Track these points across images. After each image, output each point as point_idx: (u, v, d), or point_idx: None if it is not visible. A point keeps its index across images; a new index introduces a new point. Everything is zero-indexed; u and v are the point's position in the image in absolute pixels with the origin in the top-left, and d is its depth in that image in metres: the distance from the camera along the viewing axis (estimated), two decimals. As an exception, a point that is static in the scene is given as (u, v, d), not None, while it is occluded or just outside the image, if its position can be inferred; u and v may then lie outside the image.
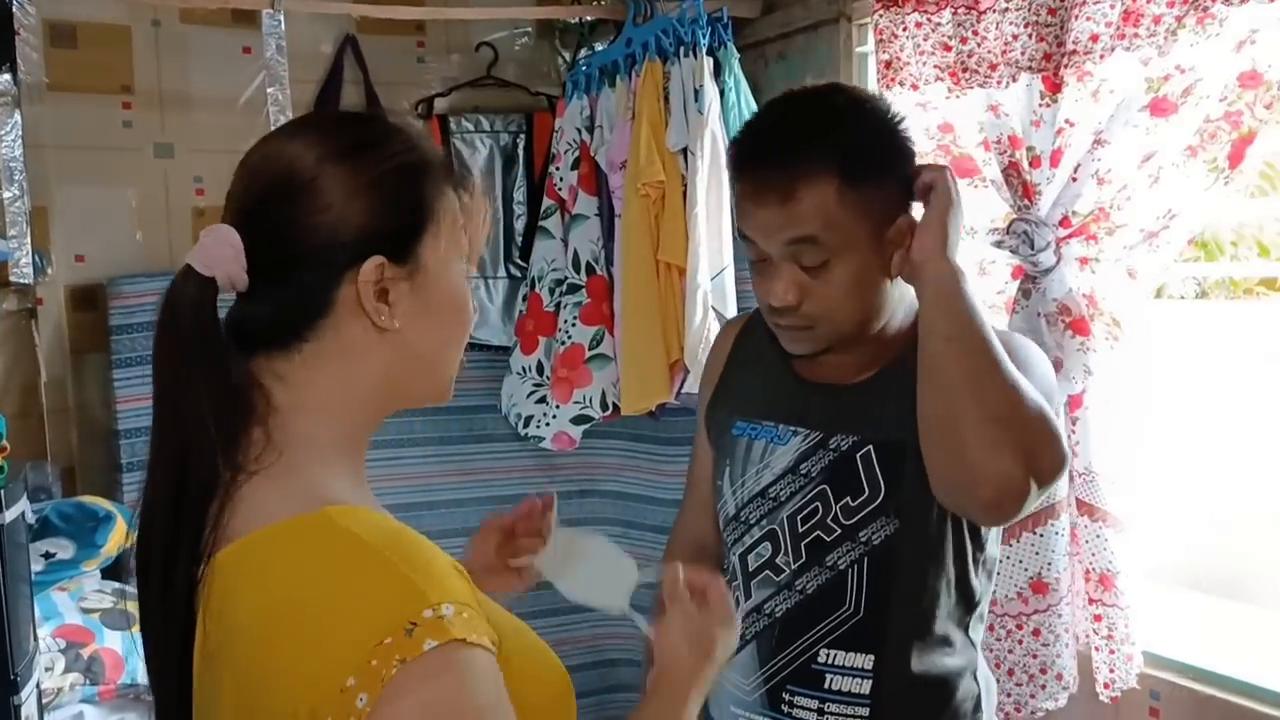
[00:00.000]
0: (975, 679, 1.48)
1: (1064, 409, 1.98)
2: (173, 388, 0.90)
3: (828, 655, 1.43)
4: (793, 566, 1.45)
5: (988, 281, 2.15)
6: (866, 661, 1.42)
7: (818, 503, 1.44)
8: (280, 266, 0.91)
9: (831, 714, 1.42)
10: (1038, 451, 1.28)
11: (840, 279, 1.35)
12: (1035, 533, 2.01)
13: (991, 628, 2.06)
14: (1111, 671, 2.00)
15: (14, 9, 2.75)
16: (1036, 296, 1.97)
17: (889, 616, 1.42)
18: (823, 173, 1.33)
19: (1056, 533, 2.00)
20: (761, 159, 1.38)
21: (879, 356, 1.45)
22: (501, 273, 3.16)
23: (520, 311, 3.01)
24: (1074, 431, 1.98)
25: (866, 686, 1.42)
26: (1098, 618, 2.00)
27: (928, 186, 1.38)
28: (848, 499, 1.42)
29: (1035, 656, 2.05)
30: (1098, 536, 1.99)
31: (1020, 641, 2.05)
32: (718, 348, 1.66)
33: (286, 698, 0.77)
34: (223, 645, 0.84)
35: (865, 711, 1.42)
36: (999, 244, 2.03)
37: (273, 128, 2.96)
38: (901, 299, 1.45)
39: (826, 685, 1.43)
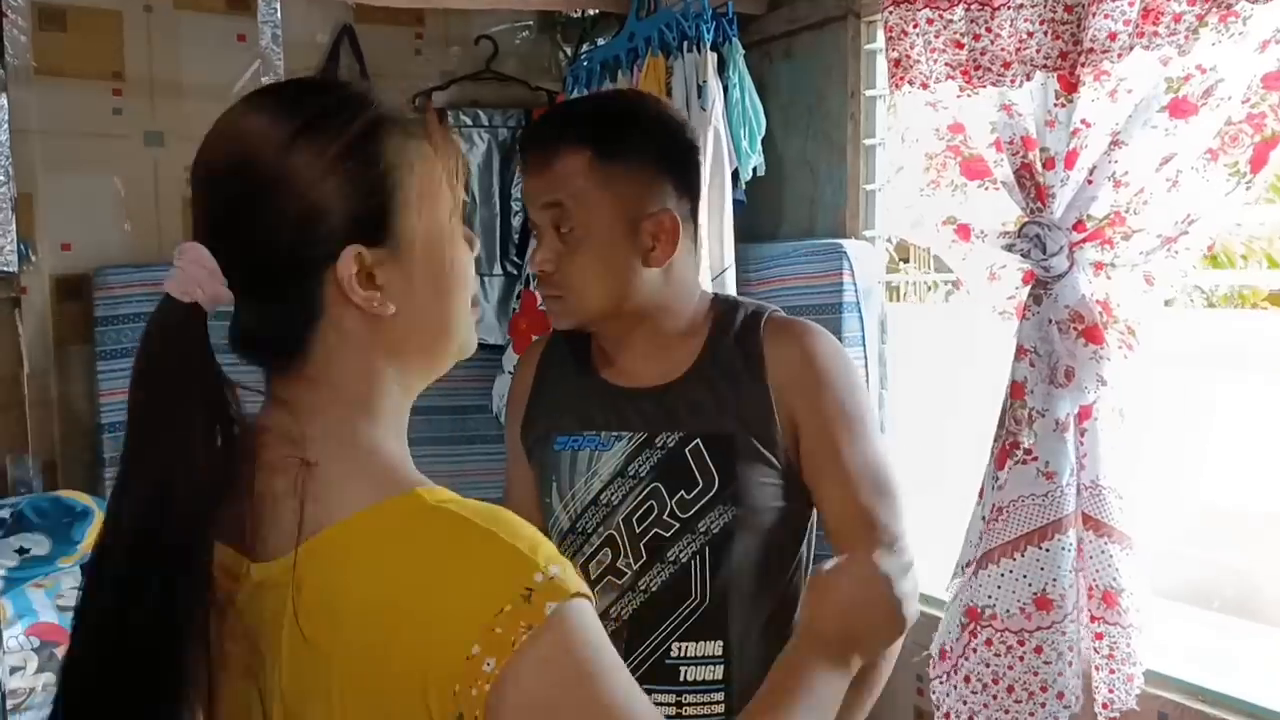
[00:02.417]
0: None
1: (1074, 419, 1.92)
2: (162, 424, 0.85)
3: (680, 649, 1.47)
4: (634, 567, 1.50)
5: (997, 286, 2.08)
6: (717, 648, 1.48)
7: (652, 500, 1.48)
8: (258, 277, 0.87)
9: (689, 705, 1.48)
10: None
11: (587, 251, 1.43)
12: (1041, 547, 1.94)
13: (990, 643, 2.00)
14: (1111, 691, 1.94)
15: (2, -9, 2.70)
16: (1048, 302, 1.91)
17: (732, 600, 1.48)
18: (578, 145, 1.42)
19: (1064, 548, 1.94)
20: (536, 134, 1.50)
21: (685, 355, 1.52)
22: (498, 270, 3.11)
23: (513, 309, 2.96)
24: (1082, 443, 1.92)
25: (719, 672, 1.48)
26: (1099, 636, 1.94)
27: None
28: (682, 493, 1.47)
29: (1036, 674, 1.98)
30: (1103, 552, 1.93)
31: (1021, 658, 1.99)
32: (522, 370, 1.72)
33: (410, 675, 0.78)
34: (329, 631, 0.81)
35: (720, 696, 1.48)
36: (1010, 248, 1.97)
37: None
38: (686, 293, 1.53)
39: (682, 678, 1.48)
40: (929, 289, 3.14)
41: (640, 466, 1.49)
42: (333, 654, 0.81)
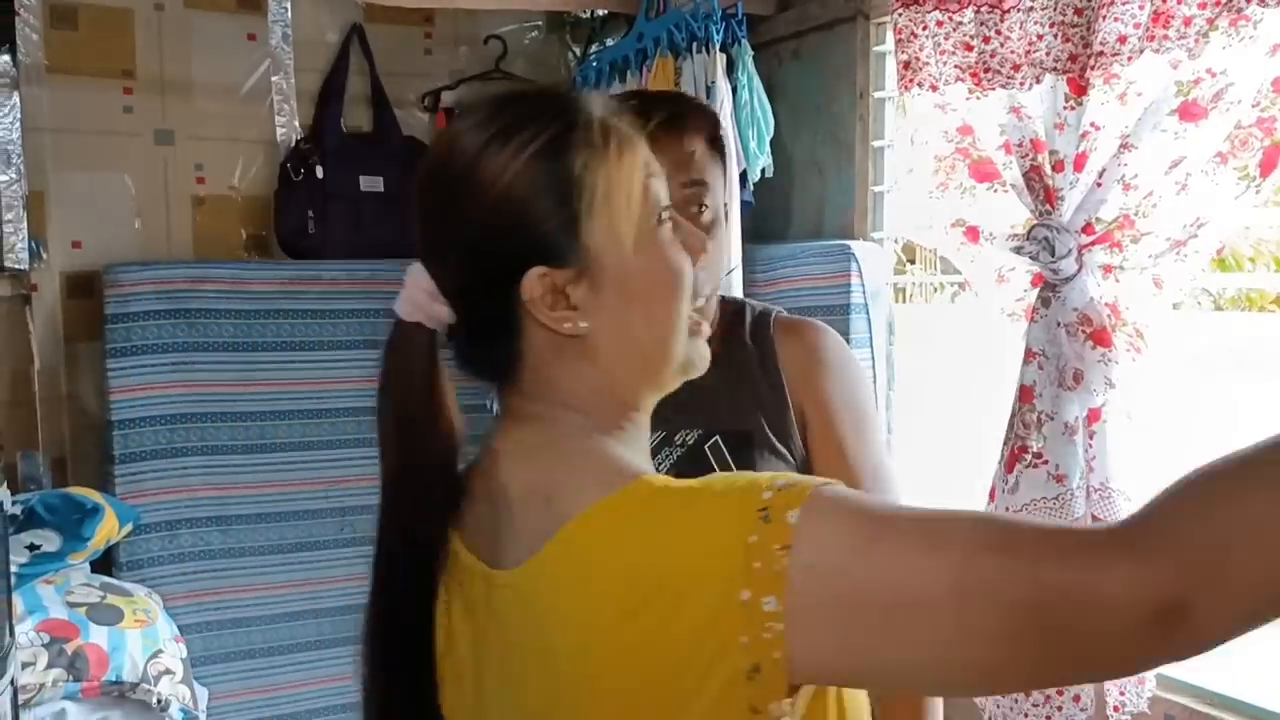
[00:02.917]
0: None
1: (1082, 422, 1.92)
2: (411, 443, 0.92)
3: None
4: None
5: (1006, 289, 2.09)
6: None
7: None
8: (460, 295, 0.89)
9: None
10: None
11: (715, 236, 1.45)
12: (1051, 549, 1.95)
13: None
14: (1122, 694, 1.94)
15: (14, -11, 2.71)
16: (1056, 305, 1.91)
17: None
18: (700, 132, 1.46)
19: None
20: (667, 112, 1.45)
21: None
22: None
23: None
24: (1091, 445, 1.92)
25: None
26: (1111, 638, 1.94)
27: None
28: None
29: (1050, 677, 1.99)
30: (1112, 555, 1.93)
31: (1033, 661, 1.99)
32: None
33: (683, 648, 0.73)
34: (579, 630, 0.80)
35: None
36: (1018, 250, 1.97)
37: (276, 117, 3.02)
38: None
39: None
40: (935, 290, 3.14)
41: (660, 464, 1.49)
42: (589, 657, 0.79)
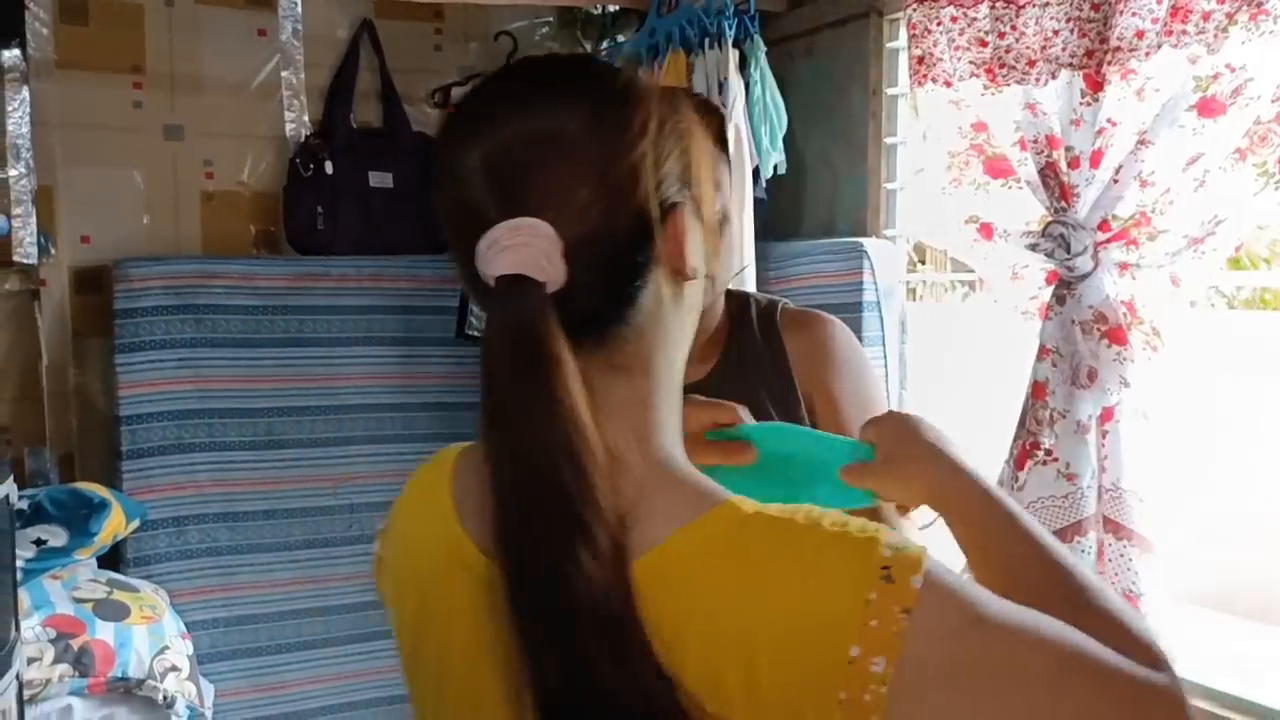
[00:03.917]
0: None
1: (1095, 421, 1.90)
2: (541, 419, 0.76)
3: None
4: None
5: (1020, 286, 2.07)
6: None
7: None
8: (596, 247, 0.79)
9: None
10: None
11: (723, 233, 1.44)
12: (1062, 550, 1.93)
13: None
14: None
15: (24, -17, 2.70)
16: (1071, 303, 1.90)
17: None
18: (709, 130, 1.40)
19: (1083, 550, 1.92)
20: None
21: (710, 349, 1.52)
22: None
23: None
24: (1104, 445, 1.90)
25: None
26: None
27: None
28: None
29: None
30: (1122, 556, 1.91)
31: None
32: None
33: (777, 697, 0.71)
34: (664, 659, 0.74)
35: None
36: (1033, 247, 1.96)
37: (286, 112, 3.01)
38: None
39: None
40: (945, 289, 3.12)
41: None
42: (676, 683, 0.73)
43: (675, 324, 0.86)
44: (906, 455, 1.02)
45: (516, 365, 0.76)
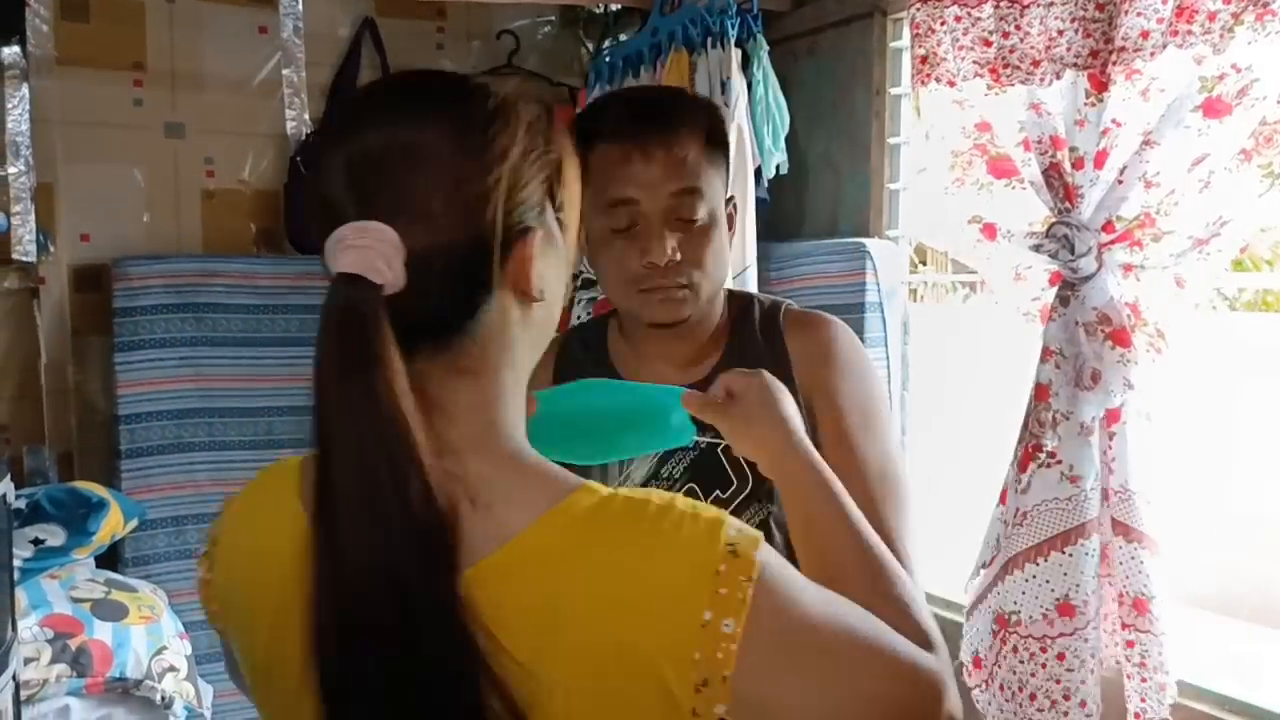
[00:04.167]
0: None
1: (1100, 423, 1.89)
2: (361, 415, 0.79)
3: None
4: None
5: (1022, 287, 2.06)
6: None
7: None
8: (440, 258, 0.83)
9: None
10: None
11: (717, 237, 1.41)
12: (1064, 552, 1.92)
13: (1016, 649, 1.97)
14: (1143, 701, 1.91)
15: (25, -20, 2.69)
16: (1075, 304, 1.88)
17: None
18: (694, 131, 1.40)
19: (1086, 553, 1.91)
20: (643, 118, 1.42)
21: (711, 351, 1.50)
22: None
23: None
24: (1110, 447, 1.89)
25: None
26: (1130, 644, 1.91)
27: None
28: (717, 492, 1.44)
29: (1059, 682, 1.95)
30: (1132, 558, 1.90)
31: (1044, 665, 1.96)
32: (538, 373, 1.66)
33: (642, 660, 0.79)
34: (534, 643, 0.80)
35: None
36: (1038, 248, 1.94)
37: (287, 110, 3.00)
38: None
39: None
40: (947, 291, 3.11)
41: (674, 468, 1.46)
42: (541, 665, 0.79)
43: (523, 340, 0.91)
44: (760, 417, 1.13)
45: (343, 362, 0.80)
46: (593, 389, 1.27)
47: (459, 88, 0.89)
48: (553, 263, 0.91)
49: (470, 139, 0.85)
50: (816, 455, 1.11)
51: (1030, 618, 1.96)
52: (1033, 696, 1.97)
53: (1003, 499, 2.04)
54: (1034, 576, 1.95)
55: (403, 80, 0.92)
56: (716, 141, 1.44)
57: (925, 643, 0.92)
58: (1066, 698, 1.95)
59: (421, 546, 0.78)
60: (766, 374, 1.17)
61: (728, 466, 1.44)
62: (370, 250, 0.80)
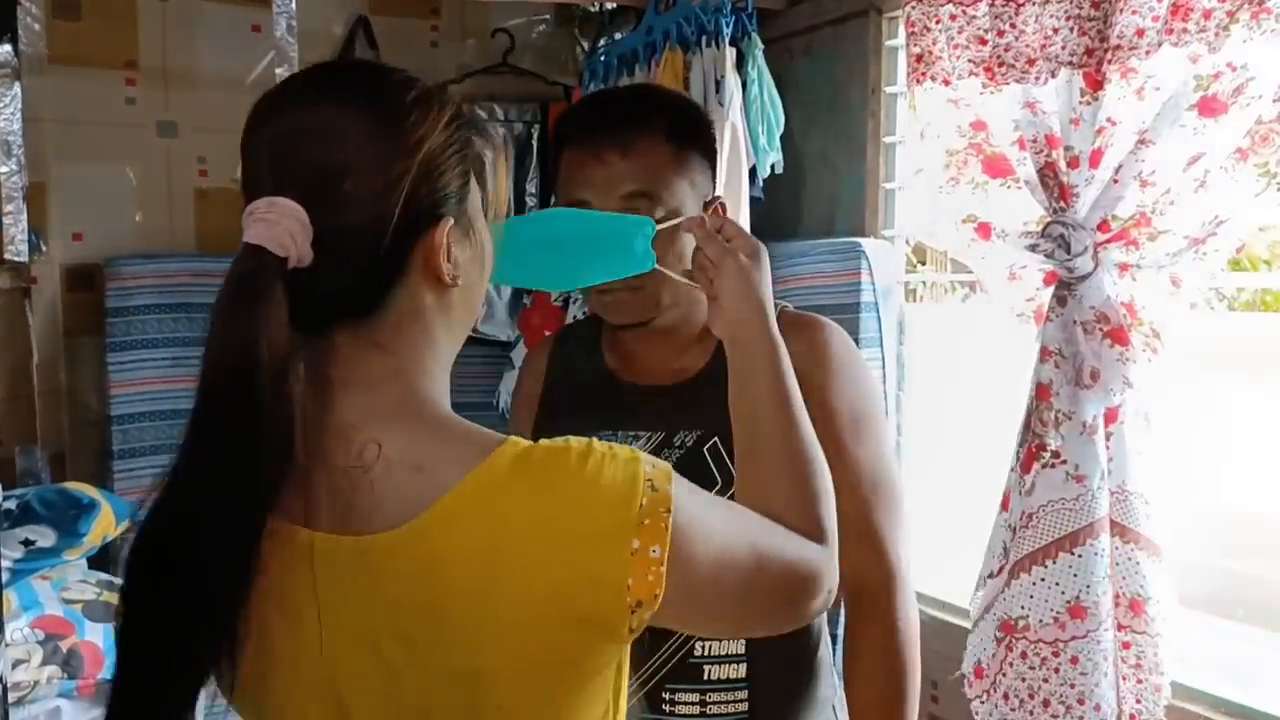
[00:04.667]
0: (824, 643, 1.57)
1: (1100, 422, 1.88)
2: (246, 385, 0.84)
3: (703, 647, 1.46)
4: None
5: (1017, 287, 2.05)
6: (739, 646, 1.46)
7: None
8: (349, 238, 0.89)
9: (713, 704, 1.46)
10: None
11: (673, 238, 1.38)
12: (1073, 553, 1.88)
13: (1025, 656, 1.94)
14: (1138, 702, 1.89)
15: (16, -23, 2.68)
16: (1072, 304, 1.87)
17: None
18: (655, 132, 1.41)
19: (1096, 553, 1.88)
20: (598, 122, 1.44)
21: (700, 351, 1.51)
22: (510, 265, 3.08)
23: (525, 304, 2.93)
24: (1109, 447, 1.88)
25: (742, 670, 1.46)
26: (1126, 645, 1.89)
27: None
28: None
29: (1073, 686, 1.91)
30: (1130, 559, 1.88)
31: (1056, 670, 1.91)
32: (531, 369, 1.68)
33: (576, 595, 0.85)
34: (473, 596, 0.85)
35: (744, 694, 1.47)
36: (1033, 248, 1.93)
37: None
38: None
39: (705, 677, 1.46)
40: (945, 290, 3.10)
41: None
42: (487, 607, 0.85)
43: (439, 323, 0.96)
44: (732, 290, 1.18)
45: (230, 326, 0.85)
46: (560, 216, 1.34)
47: (383, 78, 0.94)
48: (470, 253, 0.97)
49: (387, 126, 0.89)
50: (778, 340, 1.17)
51: (1040, 622, 1.92)
52: (1046, 703, 1.93)
53: (1004, 505, 2.01)
54: (1042, 580, 1.92)
55: (332, 68, 0.99)
56: (683, 141, 1.43)
57: (819, 533, 1.04)
58: (1081, 702, 1.90)
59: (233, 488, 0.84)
60: (746, 264, 1.19)
61: (713, 466, 1.44)
62: (278, 225, 0.85)
